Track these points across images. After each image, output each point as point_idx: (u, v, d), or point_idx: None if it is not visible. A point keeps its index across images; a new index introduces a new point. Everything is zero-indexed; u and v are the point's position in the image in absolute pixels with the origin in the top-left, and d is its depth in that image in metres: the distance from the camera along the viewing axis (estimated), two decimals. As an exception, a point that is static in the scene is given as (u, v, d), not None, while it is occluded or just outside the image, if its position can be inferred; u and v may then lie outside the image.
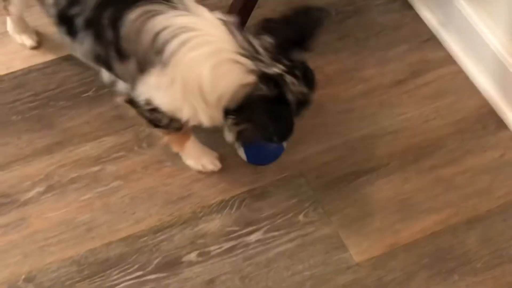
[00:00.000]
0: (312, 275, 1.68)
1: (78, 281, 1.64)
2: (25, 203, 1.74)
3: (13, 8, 1.91)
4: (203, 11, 1.59)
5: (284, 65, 1.54)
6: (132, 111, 1.72)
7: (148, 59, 1.56)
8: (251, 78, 1.53)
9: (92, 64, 1.74)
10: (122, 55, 1.59)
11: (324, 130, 1.89)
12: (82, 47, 1.67)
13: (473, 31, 1.97)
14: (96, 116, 1.88)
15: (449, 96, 1.98)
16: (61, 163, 1.80)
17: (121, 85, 1.70)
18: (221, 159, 1.84)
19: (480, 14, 1.95)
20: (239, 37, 1.57)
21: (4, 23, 2.01)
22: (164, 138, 1.81)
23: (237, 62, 1.54)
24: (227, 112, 1.57)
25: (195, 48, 1.54)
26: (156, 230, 1.72)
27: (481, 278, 1.70)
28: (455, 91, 1.99)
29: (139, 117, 1.74)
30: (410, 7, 2.14)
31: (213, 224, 1.74)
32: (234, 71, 1.54)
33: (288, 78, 1.54)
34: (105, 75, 1.73)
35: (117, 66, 1.62)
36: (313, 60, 1.93)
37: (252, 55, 1.55)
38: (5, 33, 2.00)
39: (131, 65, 1.58)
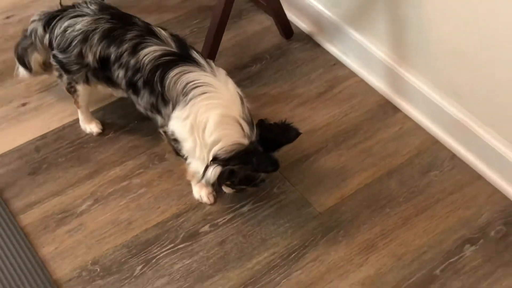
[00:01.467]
0: (290, 226, 1.76)
1: (129, 258, 1.69)
2: (81, 213, 1.77)
3: (80, 99, 1.89)
4: (223, 74, 1.67)
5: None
6: (164, 140, 1.77)
7: (178, 100, 1.63)
8: (245, 141, 1.61)
9: (149, 113, 1.74)
10: (165, 101, 1.66)
11: (278, 132, 1.99)
12: (143, 100, 1.71)
13: (365, 51, 2.07)
14: (118, 149, 1.92)
15: (357, 97, 2.08)
16: (100, 183, 1.84)
17: (163, 122, 1.71)
18: None
19: (368, 38, 2.06)
20: (245, 108, 1.64)
21: (42, 98, 2.03)
22: (183, 167, 1.79)
23: (240, 124, 1.61)
24: (215, 158, 1.61)
25: (211, 98, 1.61)
26: (177, 215, 1.78)
27: (404, 207, 1.81)
28: (360, 93, 2.09)
29: (168, 145, 1.79)
30: (318, 45, 2.23)
31: (216, 204, 1.80)
32: (235, 129, 1.61)
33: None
34: (158, 120, 1.73)
35: (163, 109, 1.68)
36: (261, 89, 2.11)
37: (249, 125, 1.63)
38: (42, 104, 2.02)
39: (169, 107, 1.65)
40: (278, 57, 2.21)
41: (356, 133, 1.99)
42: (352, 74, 2.16)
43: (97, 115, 2.01)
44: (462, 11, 1.71)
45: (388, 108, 2.06)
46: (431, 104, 1.95)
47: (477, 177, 1.89)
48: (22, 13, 2.32)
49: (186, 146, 1.67)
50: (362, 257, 1.71)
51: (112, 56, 1.69)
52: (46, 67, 1.92)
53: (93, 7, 1.77)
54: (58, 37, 1.75)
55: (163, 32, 1.72)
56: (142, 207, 1.81)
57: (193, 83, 1.62)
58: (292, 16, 2.30)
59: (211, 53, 2.05)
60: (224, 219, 1.79)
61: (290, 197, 1.84)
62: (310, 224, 1.78)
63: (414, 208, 1.82)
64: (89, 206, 1.80)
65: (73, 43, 1.73)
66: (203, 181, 1.67)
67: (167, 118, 1.68)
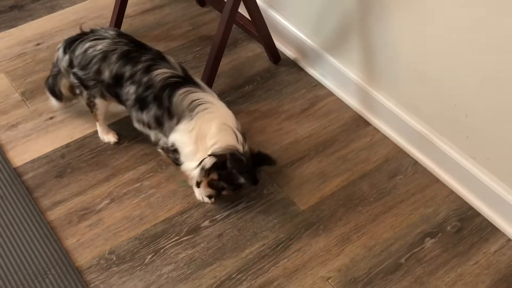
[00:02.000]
0: (278, 221, 1.77)
1: (141, 248, 1.69)
2: (99, 210, 1.77)
3: (98, 112, 1.88)
4: (216, 96, 1.72)
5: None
6: (163, 155, 1.78)
7: (184, 115, 1.64)
8: (240, 148, 1.64)
9: (146, 128, 1.75)
10: (170, 115, 1.67)
11: (268, 142, 1.97)
12: (149, 114, 1.70)
13: (341, 74, 2.08)
14: (132, 156, 1.92)
15: (334, 113, 2.09)
16: (116, 185, 1.84)
17: (162, 140, 1.73)
18: None
19: (343, 63, 2.07)
20: (238, 123, 1.69)
21: (66, 113, 2.02)
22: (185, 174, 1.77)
23: (235, 133, 1.65)
24: (212, 154, 1.62)
25: (212, 113, 1.65)
26: (182, 212, 1.78)
27: (374, 206, 1.82)
28: (337, 110, 2.10)
29: (167, 159, 1.78)
30: (302, 69, 2.24)
31: (215, 203, 1.80)
32: (232, 136, 1.65)
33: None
34: (153, 136, 1.76)
35: (166, 122, 1.68)
36: (253, 105, 2.12)
37: (242, 136, 1.67)
38: (67, 118, 2.02)
39: (174, 120, 1.66)
40: (268, 79, 2.22)
41: (334, 143, 2.00)
42: (330, 94, 2.17)
43: (114, 127, 2.01)
44: (425, 40, 1.74)
45: (360, 122, 2.08)
46: (396, 119, 1.97)
47: (436, 181, 1.91)
48: (49, 40, 2.32)
49: (186, 151, 1.67)
50: (338, 248, 1.72)
51: (127, 74, 1.71)
52: (73, 90, 1.91)
53: (111, 32, 1.78)
54: (80, 56, 1.76)
55: (171, 58, 1.75)
56: (151, 205, 1.81)
57: (197, 101, 1.65)
58: (279, 44, 2.31)
59: (211, 75, 2.06)
60: (221, 216, 1.79)
61: (277, 197, 1.84)
62: (294, 220, 1.79)
63: (382, 206, 1.83)
64: (107, 204, 1.80)
65: (93, 61, 1.74)
66: (196, 172, 1.65)
67: (168, 131, 1.69)
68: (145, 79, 1.69)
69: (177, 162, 1.74)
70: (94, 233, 1.73)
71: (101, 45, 1.74)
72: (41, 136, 1.98)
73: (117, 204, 1.81)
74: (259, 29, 2.14)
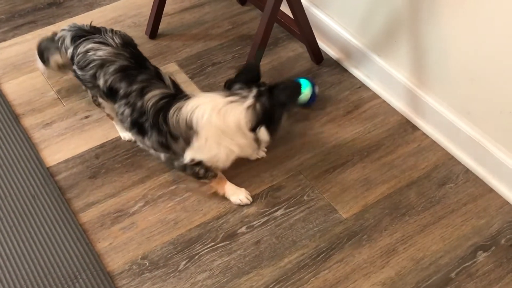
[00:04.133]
0: (318, 229, 1.69)
1: (175, 254, 1.63)
2: (133, 213, 1.72)
3: (107, 111, 1.86)
4: (200, 93, 1.67)
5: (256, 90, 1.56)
6: (181, 174, 1.73)
7: (188, 135, 1.58)
8: (249, 102, 1.55)
9: (153, 150, 1.71)
10: (174, 138, 1.61)
11: (309, 145, 1.90)
12: (151, 140, 1.66)
13: (387, 75, 1.99)
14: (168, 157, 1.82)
15: (380, 116, 2.00)
16: (151, 187, 1.79)
17: (176, 162, 1.68)
18: (249, 170, 1.82)
19: (390, 63, 1.99)
20: (223, 93, 1.58)
21: (102, 112, 1.94)
22: (210, 188, 1.74)
23: (230, 102, 1.55)
24: (253, 129, 1.57)
25: (203, 113, 1.55)
26: (218, 217, 1.71)
27: (422, 216, 1.72)
28: (382, 113, 2.01)
29: (187, 176, 1.72)
30: (345, 70, 2.16)
31: (252, 209, 1.74)
32: (234, 107, 1.54)
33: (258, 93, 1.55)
34: (162, 157, 1.72)
35: (173, 145, 1.63)
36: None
37: (234, 94, 1.56)
38: (102, 117, 1.97)
39: (181, 142, 1.61)
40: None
41: (379, 148, 1.91)
42: (375, 96, 2.08)
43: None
44: (479, 40, 1.64)
45: (407, 127, 1.98)
46: (447, 123, 1.86)
47: (489, 190, 1.80)
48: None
49: (215, 152, 1.61)
50: (383, 260, 1.63)
51: (121, 91, 1.65)
52: (61, 69, 1.90)
53: (117, 40, 1.71)
54: (80, 55, 1.71)
55: (167, 76, 1.67)
56: (187, 209, 1.75)
57: (190, 113, 1.57)
58: (322, 44, 2.23)
59: (251, 75, 1.98)
60: (259, 222, 1.72)
61: (318, 204, 1.76)
62: (336, 229, 1.70)
63: (431, 216, 1.73)
64: (141, 207, 1.75)
65: (91, 65, 1.68)
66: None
67: (180, 151, 1.64)
68: (139, 103, 1.62)
69: (198, 176, 1.69)
70: (127, 236, 1.68)
71: (102, 52, 1.68)
72: (75, 135, 1.94)
73: (151, 207, 1.75)
74: (301, 28, 2.06)
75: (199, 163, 1.65)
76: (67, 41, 1.77)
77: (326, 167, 1.86)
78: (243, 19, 2.39)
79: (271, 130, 1.60)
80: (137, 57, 1.71)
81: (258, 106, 1.55)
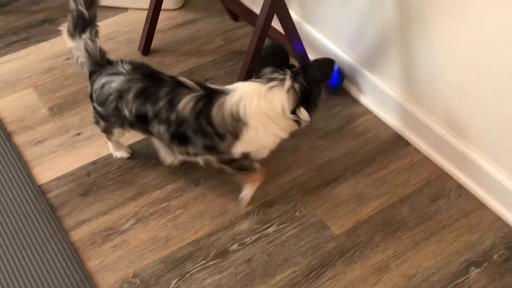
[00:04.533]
0: (310, 246, 1.68)
1: (166, 272, 1.61)
2: (124, 231, 1.71)
3: (113, 138, 1.82)
4: (237, 84, 1.61)
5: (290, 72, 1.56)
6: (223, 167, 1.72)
7: (237, 128, 1.56)
8: (288, 84, 1.54)
9: (195, 156, 1.67)
10: (221, 137, 1.58)
11: (301, 161, 1.90)
12: (196, 147, 1.61)
13: (379, 90, 2.00)
14: (159, 174, 1.86)
15: (372, 131, 2.00)
16: (142, 204, 1.78)
17: (223, 156, 1.65)
18: (240, 186, 1.79)
19: (381, 78, 1.98)
20: (261, 80, 1.57)
21: (94, 129, 1.92)
22: (252, 180, 1.75)
23: (272, 87, 1.54)
24: (293, 111, 1.57)
25: (251, 102, 1.54)
26: (209, 234, 1.70)
27: (414, 232, 1.71)
28: (374, 128, 2.01)
29: (231, 169, 1.71)
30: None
31: (244, 225, 1.73)
32: (276, 92, 1.54)
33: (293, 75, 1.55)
34: (201, 160, 1.69)
35: (220, 145, 1.60)
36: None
37: (272, 79, 1.56)
38: (94, 134, 1.96)
39: (228, 139, 1.58)
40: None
41: (371, 164, 1.90)
42: (367, 111, 2.08)
43: (141, 143, 1.95)
44: (471, 56, 1.64)
45: (400, 142, 1.97)
46: (438, 138, 1.86)
47: (481, 205, 1.79)
48: (80, 55, 2.29)
49: (265, 141, 1.62)
50: (376, 277, 1.62)
51: (150, 113, 1.60)
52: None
53: (126, 66, 1.64)
54: (97, 91, 1.65)
55: (187, 80, 1.62)
56: (178, 226, 1.74)
57: (234, 107, 1.55)
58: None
59: (242, 91, 1.98)
60: (251, 239, 1.71)
61: (310, 220, 1.75)
62: (328, 245, 1.69)
63: (423, 232, 1.72)
64: (132, 225, 1.74)
65: (110, 99, 1.63)
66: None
67: (228, 148, 1.61)
68: (173, 116, 1.58)
69: (244, 168, 1.70)
70: (118, 255, 1.67)
71: (115, 83, 1.61)
72: (67, 152, 1.94)
73: (143, 224, 1.74)
74: (293, 44, 2.06)
75: (247, 155, 1.64)
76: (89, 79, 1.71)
77: (319, 183, 1.85)
78: (236, 35, 2.40)
79: (310, 109, 1.60)
80: (150, 74, 1.64)
81: (296, 86, 1.55)
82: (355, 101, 2.12)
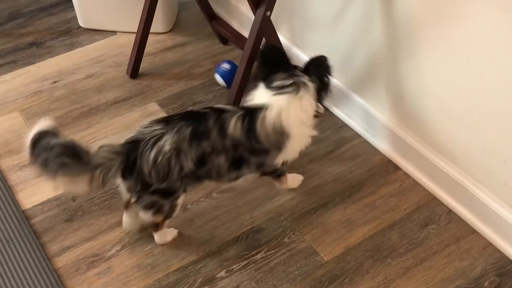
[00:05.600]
0: (299, 273, 1.65)
1: (152, 300, 1.59)
2: (109, 257, 1.68)
3: (173, 214, 1.64)
4: (270, 98, 1.59)
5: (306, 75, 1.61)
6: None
7: (281, 140, 1.58)
8: (312, 89, 1.62)
9: (245, 176, 1.65)
10: (267, 151, 1.60)
11: (290, 186, 1.88)
12: (250, 167, 1.60)
13: (368, 114, 1.99)
14: (146, 199, 1.87)
15: (361, 155, 1.99)
16: (128, 231, 1.75)
17: (264, 168, 1.68)
18: (228, 212, 1.80)
19: (370, 102, 1.99)
20: (288, 91, 1.59)
21: None
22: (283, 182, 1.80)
23: (302, 96, 1.58)
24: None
25: (289, 114, 1.57)
26: (196, 261, 1.68)
27: (404, 258, 1.69)
28: (364, 153, 2.00)
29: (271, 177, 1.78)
30: (327, 109, 2.12)
31: (232, 252, 1.70)
32: (306, 98, 1.60)
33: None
34: (243, 179, 1.67)
35: (267, 159, 1.62)
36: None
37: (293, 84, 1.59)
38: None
39: (273, 152, 1.60)
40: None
41: (361, 189, 1.89)
42: (357, 135, 2.07)
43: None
44: (459, 80, 1.65)
45: (389, 167, 1.97)
46: (428, 163, 1.85)
47: (472, 231, 1.78)
48: (67, 78, 2.28)
49: (298, 149, 1.70)
50: (365, 304, 1.60)
51: (208, 149, 1.51)
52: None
53: (159, 125, 1.50)
54: (153, 170, 1.47)
55: (224, 105, 1.60)
56: (165, 253, 1.71)
57: (276, 123, 1.56)
58: (304, 84, 2.22)
59: (231, 115, 1.97)
60: (239, 265, 1.68)
61: (299, 246, 1.73)
62: (318, 272, 1.67)
63: (413, 258, 1.70)
64: (117, 251, 1.71)
65: (172, 163, 1.48)
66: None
67: (271, 160, 1.65)
68: (227, 142, 1.53)
69: (282, 173, 1.79)
70: (102, 282, 1.64)
71: (167, 145, 1.46)
72: (52, 177, 1.91)
73: (128, 251, 1.71)
74: (282, 68, 2.06)
75: (285, 162, 1.71)
76: (118, 180, 1.54)
77: (307, 208, 1.83)
78: (225, 58, 2.39)
79: (323, 101, 1.69)
80: (188, 115, 1.55)
81: (315, 87, 1.62)
82: (344, 125, 2.11)
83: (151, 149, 1.47)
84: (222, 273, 1.66)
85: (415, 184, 1.91)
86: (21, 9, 2.62)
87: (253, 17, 1.91)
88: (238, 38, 2.25)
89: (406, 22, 1.72)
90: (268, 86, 1.61)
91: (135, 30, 2.23)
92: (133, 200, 1.57)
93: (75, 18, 2.53)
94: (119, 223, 1.78)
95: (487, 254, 1.72)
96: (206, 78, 2.31)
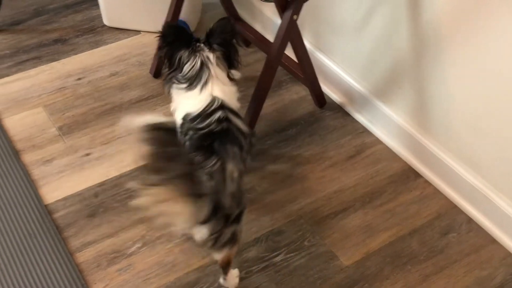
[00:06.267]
0: (319, 276, 1.66)
1: (172, 298, 1.60)
2: (130, 254, 1.70)
3: None
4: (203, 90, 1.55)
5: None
6: None
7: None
8: (212, 58, 1.57)
9: None
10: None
11: (310, 190, 1.89)
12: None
13: (390, 120, 2.00)
14: (167, 198, 1.88)
15: (382, 162, 1.99)
16: (149, 228, 1.75)
17: None
18: (248, 213, 1.74)
19: (393, 109, 1.99)
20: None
21: (103, 150, 1.97)
22: None
23: (217, 73, 1.57)
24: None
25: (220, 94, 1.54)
26: (217, 261, 1.63)
27: (424, 265, 1.69)
28: (385, 159, 2.00)
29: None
30: (348, 114, 2.16)
31: (252, 253, 1.71)
32: (219, 70, 1.59)
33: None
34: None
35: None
36: (296, 150, 2.04)
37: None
38: (104, 155, 1.96)
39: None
40: (312, 123, 2.14)
41: (381, 195, 1.90)
42: (378, 141, 2.08)
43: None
44: (485, 90, 1.64)
45: (410, 174, 1.97)
46: (450, 172, 1.85)
47: (492, 241, 1.78)
48: (91, 76, 2.30)
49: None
50: (385, 310, 1.60)
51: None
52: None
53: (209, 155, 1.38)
54: (233, 200, 1.36)
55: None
56: (185, 252, 1.72)
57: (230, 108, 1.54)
58: (325, 88, 2.24)
59: (253, 117, 1.99)
60: (258, 267, 1.69)
61: (319, 250, 1.74)
62: (337, 276, 1.67)
63: (433, 266, 1.70)
64: (138, 248, 1.72)
65: (241, 184, 1.40)
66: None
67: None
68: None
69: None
70: (123, 278, 1.65)
71: (235, 171, 1.36)
72: (75, 172, 1.93)
73: (149, 248, 1.73)
74: (305, 72, 2.08)
75: None
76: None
77: (328, 213, 1.84)
78: (247, 60, 2.40)
79: (236, 67, 1.66)
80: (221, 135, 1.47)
81: (219, 54, 1.59)
82: (366, 131, 2.12)
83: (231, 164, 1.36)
84: (242, 274, 1.67)
85: (436, 192, 1.91)
86: (46, 6, 2.64)
87: (277, 20, 1.93)
88: (261, 41, 2.26)
89: (433, 30, 1.73)
90: (183, 79, 1.57)
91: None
92: (210, 244, 1.42)
93: (99, 16, 2.55)
94: (141, 221, 1.78)
95: (507, 264, 1.72)
96: (228, 80, 2.32)
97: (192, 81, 1.57)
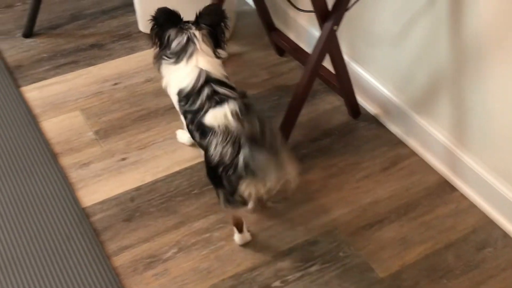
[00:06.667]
0: (354, 288, 1.67)
1: (207, 305, 1.61)
2: (166, 260, 1.71)
3: None
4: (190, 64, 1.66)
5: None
6: None
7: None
8: (199, 36, 1.68)
9: None
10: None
11: (345, 201, 1.89)
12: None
13: (426, 133, 1.99)
14: (202, 204, 1.86)
15: (417, 174, 1.99)
16: (184, 234, 1.78)
17: None
18: (283, 223, 1.82)
19: (429, 121, 1.98)
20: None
21: (139, 154, 2.00)
22: None
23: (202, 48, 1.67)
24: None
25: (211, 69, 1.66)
26: (252, 269, 1.70)
27: (460, 280, 1.68)
28: (420, 171, 1.99)
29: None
30: (383, 125, 2.16)
31: (287, 262, 1.71)
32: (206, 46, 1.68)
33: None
34: None
35: None
36: (330, 160, 2.04)
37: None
38: (139, 160, 1.98)
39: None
40: (346, 134, 2.14)
41: (416, 207, 1.89)
42: (413, 153, 2.07)
43: (184, 173, 1.96)
44: (526, 104, 1.64)
45: (445, 187, 1.96)
46: (486, 186, 1.84)
47: (529, 257, 1.77)
48: (127, 81, 2.33)
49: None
50: (421, 324, 1.59)
51: None
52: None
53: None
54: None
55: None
56: (220, 258, 1.73)
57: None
58: (359, 99, 2.24)
59: (288, 126, 2.00)
60: (294, 277, 1.69)
61: (354, 261, 1.73)
62: (372, 288, 1.67)
63: (469, 281, 1.69)
64: (174, 254, 1.74)
65: None
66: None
67: None
68: None
69: None
70: (159, 283, 1.66)
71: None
72: (112, 177, 1.95)
73: (185, 254, 1.74)
74: (341, 82, 2.08)
75: None
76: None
77: (363, 224, 1.84)
78: (281, 69, 2.42)
79: (222, 47, 1.75)
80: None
81: (205, 33, 1.68)
82: (401, 143, 2.11)
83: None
84: (277, 283, 1.67)
85: (472, 206, 1.90)
86: (83, 11, 2.68)
87: (311, 30, 1.93)
88: (296, 50, 2.28)
89: (475, 42, 1.72)
90: (171, 54, 1.67)
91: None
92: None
93: (135, 22, 2.58)
94: (176, 226, 1.81)
95: (544, 281, 1.70)
96: (262, 88, 2.34)
97: (179, 55, 1.66)
